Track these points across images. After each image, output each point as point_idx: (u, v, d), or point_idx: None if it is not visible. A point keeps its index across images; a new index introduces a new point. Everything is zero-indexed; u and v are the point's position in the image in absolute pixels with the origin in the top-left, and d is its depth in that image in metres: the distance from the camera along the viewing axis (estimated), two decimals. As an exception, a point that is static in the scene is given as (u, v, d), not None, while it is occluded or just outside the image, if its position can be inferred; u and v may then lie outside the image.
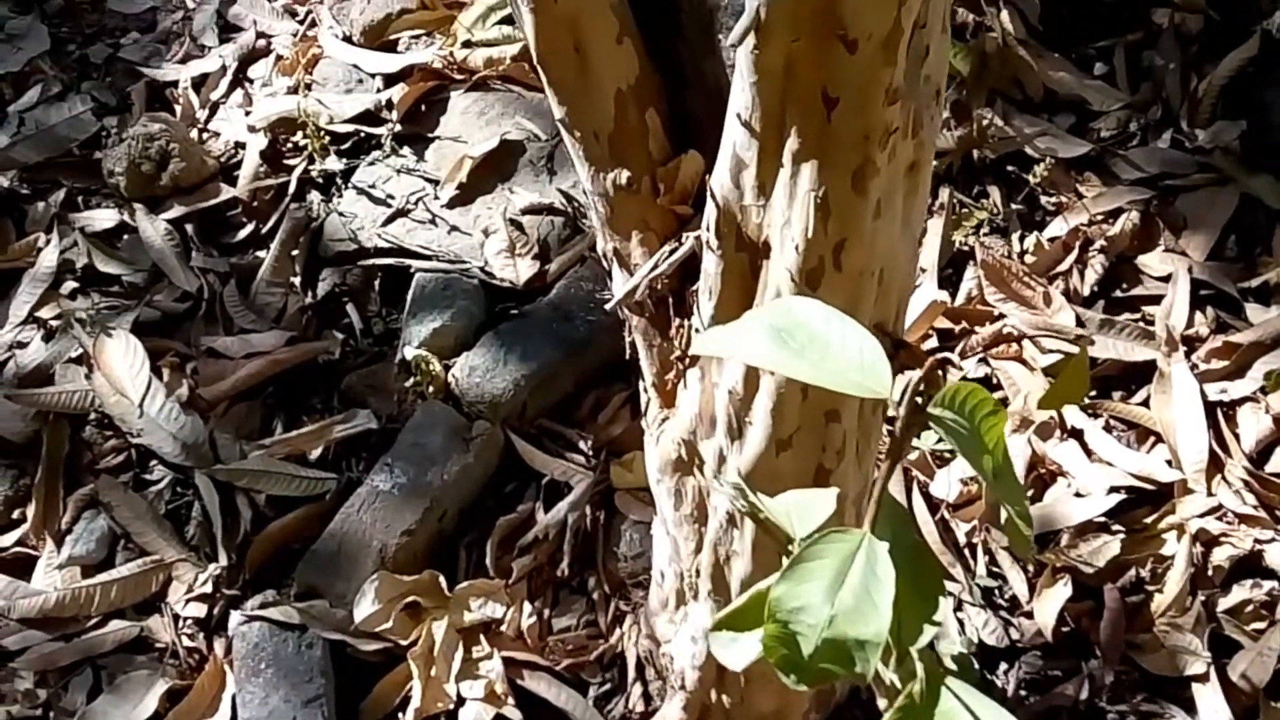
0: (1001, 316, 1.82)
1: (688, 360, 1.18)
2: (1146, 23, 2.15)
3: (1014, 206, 1.96)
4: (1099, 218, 1.92)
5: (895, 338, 1.10)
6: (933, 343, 1.82)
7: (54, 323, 1.90)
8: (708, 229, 1.06)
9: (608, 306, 1.21)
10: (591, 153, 1.15)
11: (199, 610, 1.63)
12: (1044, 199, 1.97)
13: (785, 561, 0.65)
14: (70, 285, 1.96)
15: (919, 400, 0.62)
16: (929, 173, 1.07)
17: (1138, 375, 1.76)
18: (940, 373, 0.66)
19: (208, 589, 1.64)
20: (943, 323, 1.84)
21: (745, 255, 1.02)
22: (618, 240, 1.19)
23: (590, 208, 1.22)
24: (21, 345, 1.89)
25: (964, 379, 1.79)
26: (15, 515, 1.75)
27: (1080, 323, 1.79)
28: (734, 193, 1.01)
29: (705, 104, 1.18)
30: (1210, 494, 1.63)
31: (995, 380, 1.77)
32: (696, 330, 1.12)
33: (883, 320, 1.07)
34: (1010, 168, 2.00)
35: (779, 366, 0.68)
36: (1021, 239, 1.93)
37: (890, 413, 0.98)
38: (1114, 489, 1.63)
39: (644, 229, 1.18)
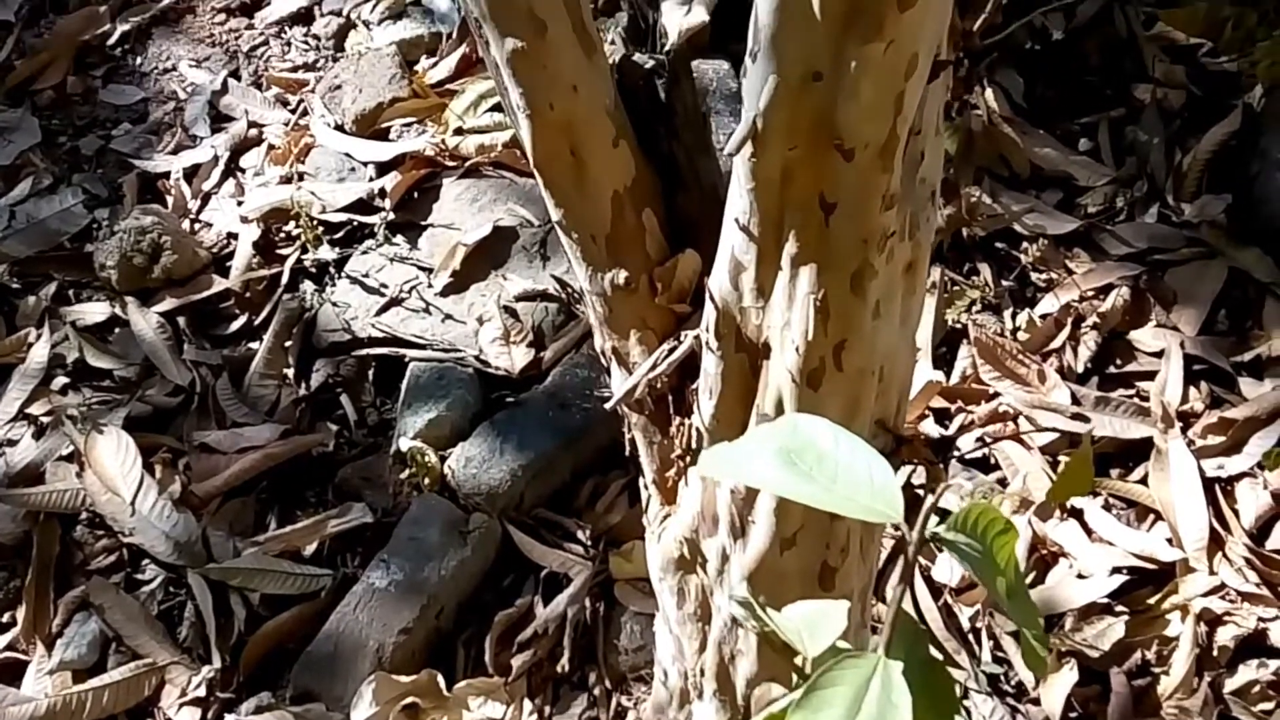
0: (997, 395, 1.82)
1: (689, 458, 1.18)
2: (1129, 98, 2.18)
3: (1005, 284, 1.96)
4: (1090, 293, 1.93)
5: (896, 433, 1.10)
6: (930, 423, 1.82)
7: (45, 419, 1.89)
8: (707, 330, 1.06)
9: (607, 406, 1.20)
10: (589, 254, 1.15)
11: (193, 715, 1.61)
12: (1035, 275, 1.97)
13: (796, 679, 0.64)
14: (61, 380, 1.95)
15: (927, 521, 0.62)
16: (926, 271, 1.08)
17: (1135, 452, 1.76)
18: (940, 465, 0.66)
19: (201, 692, 1.61)
20: (939, 402, 1.84)
21: (745, 355, 1.02)
22: (616, 339, 1.19)
23: (588, 306, 1.22)
24: (12, 443, 1.88)
25: (961, 459, 1.79)
26: (5, 618, 1.72)
27: (1076, 400, 1.79)
28: (733, 295, 1.01)
29: (701, 203, 1.19)
30: (1212, 572, 1.62)
31: (993, 460, 1.77)
32: (697, 430, 1.11)
33: (884, 416, 1.07)
34: (1000, 244, 2.01)
35: (789, 492, 0.68)
36: (1014, 316, 1.93)
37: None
38: (1116, 569, 1.63)
39: (642, 328, 1.17)
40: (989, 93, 2.17)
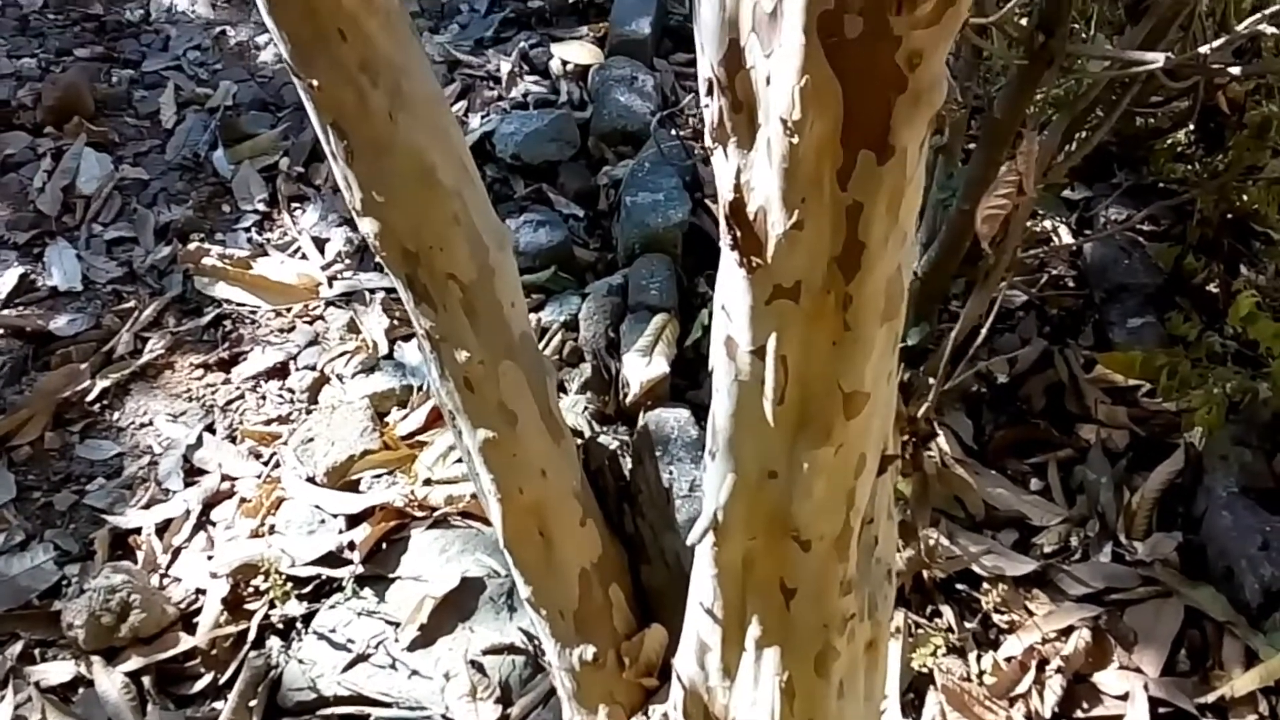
0: (969, 744, 1.81)
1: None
2: (1075, 439, 2.27)
3: (968, 626, 1.99)
4: (1052, 635, 1.95)
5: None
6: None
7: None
8: (675, 708, 1.07)
9: (578, 783, 1.20)
10: (557, 630, 1.18)
11: None
12: (996, 617, 2.00)
13: None
14: (21, 746, 1.90)
15: None
16: (888, 645, 1.10)
17: (1109, 801, 1.74)
18: None
19: None
20: (911, 753, 1.82)
21: (715, 734, 1.03)
22: (585, 714, 1.20)
23: (556, 680, 1.23)
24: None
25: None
26: None
27: (1047, 748, 1.79)
28: (699, 674, 1.03)
29: (666, 577, 1.22)
30: None
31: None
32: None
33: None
34: (961, 586, 2.04)
35: None
36: (979, 659, 1.94)
37: None
38: None
39: (610, 702, 1.19)
40: (940, 435, 2.25)
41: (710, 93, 0.82)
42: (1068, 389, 2.36)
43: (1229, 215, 2.45)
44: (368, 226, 1.11)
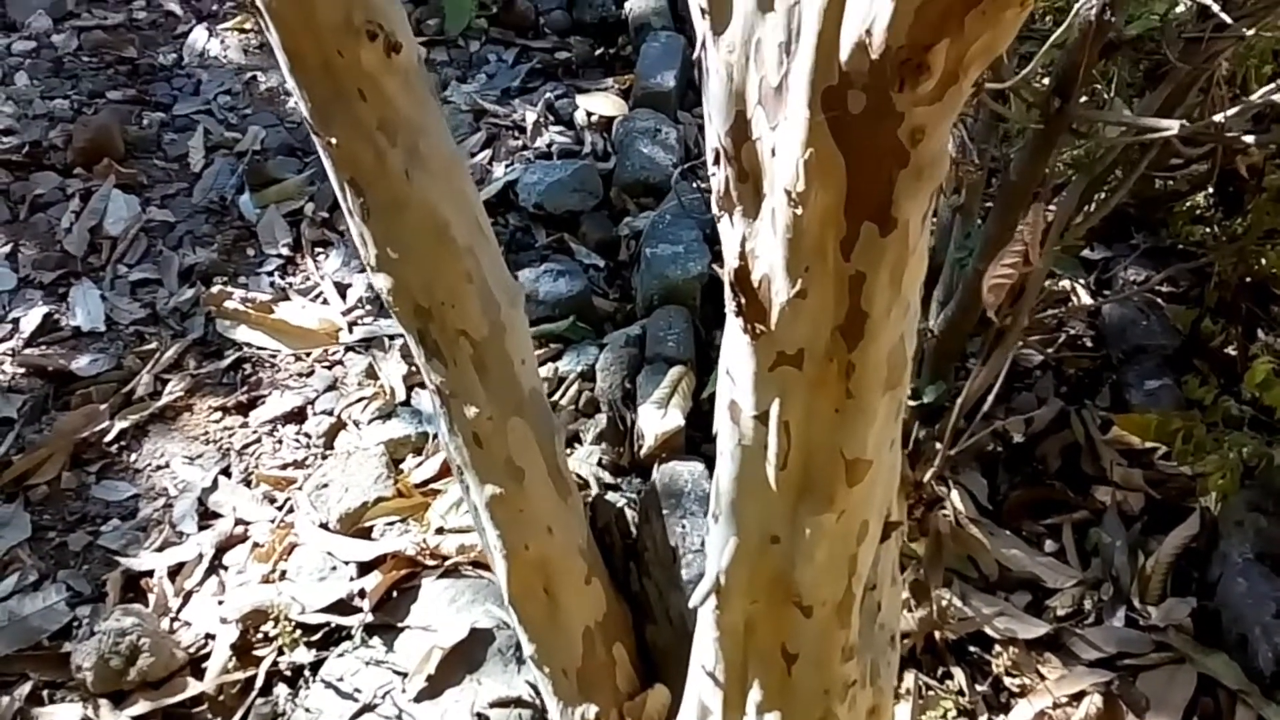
0: (978, 809, 1.79)
1: None
2: (1090, 500, 2.26)
3: (979, 689, 1.97)
4: (1063, 700, 1.93)
5: None
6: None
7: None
8: (676, 772, 1.07)
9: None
10: (560, 688, 1.18)
11: None
12: (1008, 680, 1.98)
13: None
14: (26, 790, 1.91)
15: None
16: (891, 712, 1.10)
17: None
18: None
19: None
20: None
21: (715, 801, 1.02)
22: (586, 773, 1.20)
23: (559, 740, 1.23)
24: None
25: None
26: None
27: (1057, 816, 1.77)
28: (700, 740, 1.03)
29: (671, 636, 1.22)
30: None
31: None
32: None
33: None
34: (972, 648, 2.03)
35: None
36: (990, 723, 1.93)
37: None
38: None
39: (612, 762, 1.18)
40: (954, 494, 2.25)
41: (717, 162, 0.84)
42: (1084, 450, 2.35)
43: (1248, 279, 2.45)
44: (381, 282, 1.12)
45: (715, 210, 0.87)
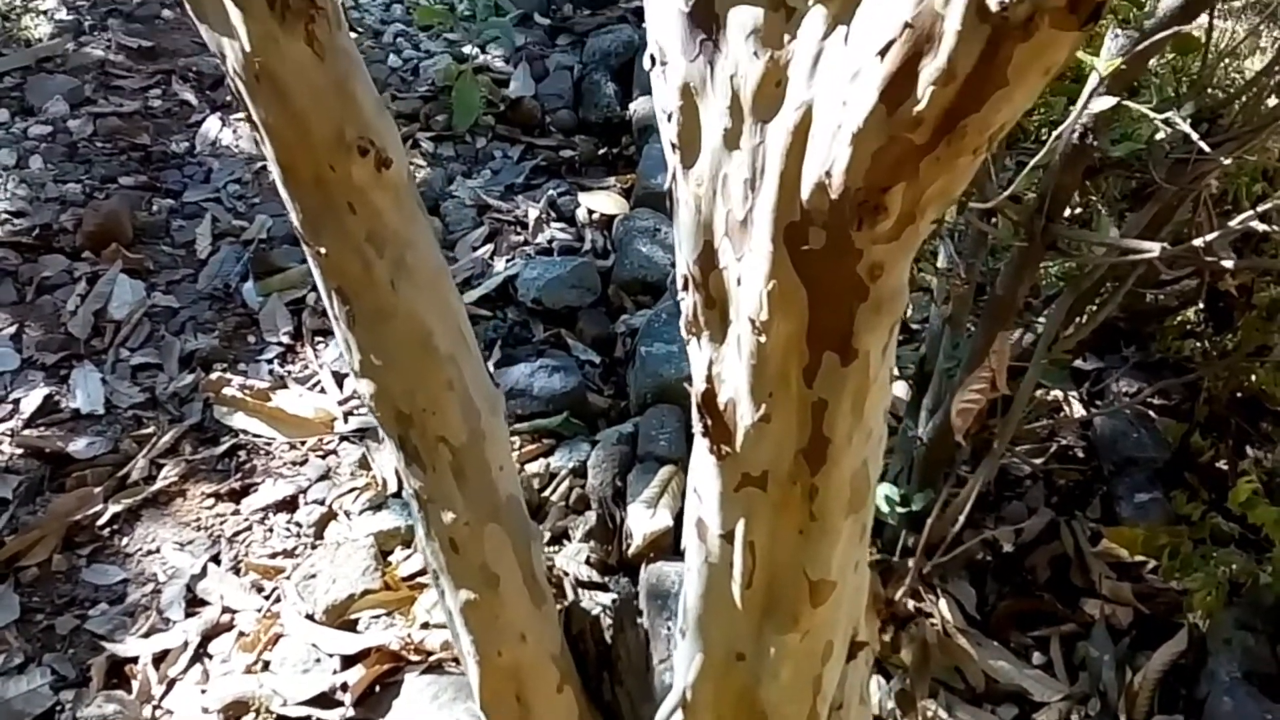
0: None
1: None
2: (1079, 614, 2.25)
3: (963, 807, 1.95)
4: (1048, 817, 1.92)
5: None
6: None
7: None
8: None
9: None
10: (527, 801, 1.18)
11: None
12: (994, 798, 1.97)
13: None
14: None
15: None
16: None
17: None
18: None
19: None
20: None
21: None
22: None
23: None
24: None
25: None
26: None
27: None
28: None
29: (640, 748, 1.22)
30: None
31: None
32: None
33: None
34: (958, 764, 2.02)
35: None
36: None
37: None
38: None
39: None
40: (943, 602, 2.24)
41: (686, 287, 0.86)
42: (1073, 562, 2.35)
43: (1238, 394, 2.47)
44: (364, 388, 1.15)
45: (684, 334, 0.89)
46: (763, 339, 0.79)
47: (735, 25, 0.75)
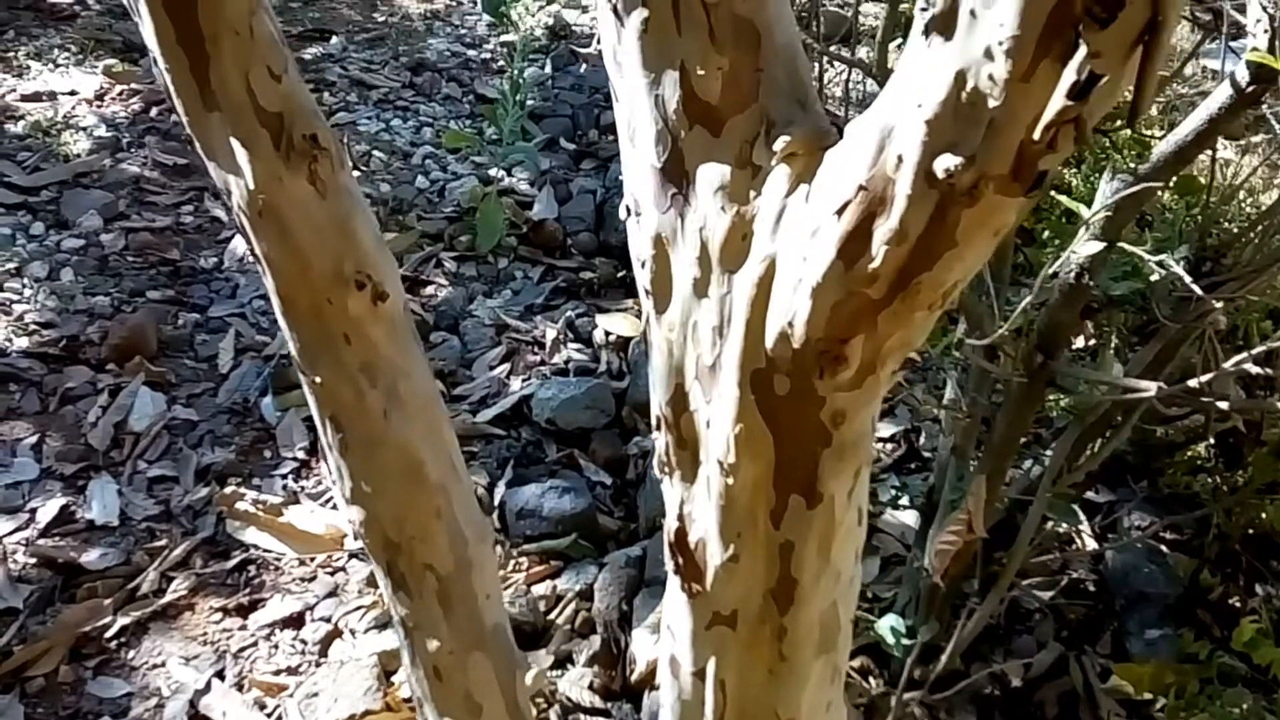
0: None
1: None
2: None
3: None
4: None
5: None
6: None
7: None
8: None
9: None
10: None
11: None
12: None
13: None
14: None
15: None
16: None
17: None
18: None
19: None
20: None
21: None
22: None
23: None
24: None
25: None
26: None
27: None
28: None
29: None
30: None
31: None
32: None
33: None
34: None
35: None
36: None
37: None
38: None
39: None
40: (949, 738, 2.21)
41: (659, 428, 0.88)
42: (1082, 699, 2.32)
43: (1249, 530, 2.45)
44: (354, 514, 1.17)
45: (657, 472, 0.91)
46: (730, 481, 0.81)
47: (704, 181, 0.79)
